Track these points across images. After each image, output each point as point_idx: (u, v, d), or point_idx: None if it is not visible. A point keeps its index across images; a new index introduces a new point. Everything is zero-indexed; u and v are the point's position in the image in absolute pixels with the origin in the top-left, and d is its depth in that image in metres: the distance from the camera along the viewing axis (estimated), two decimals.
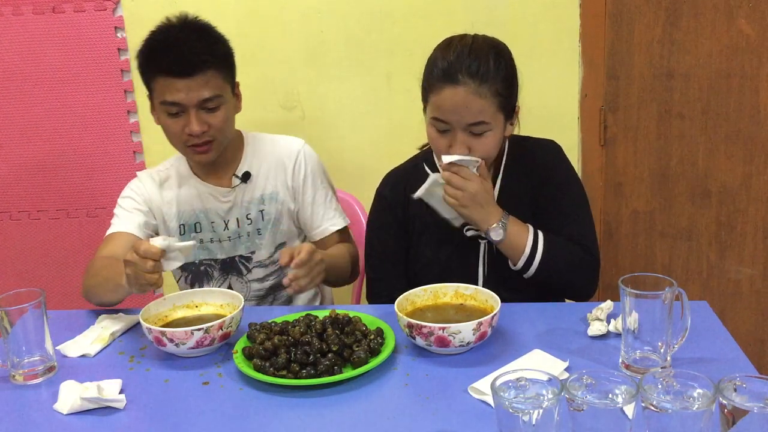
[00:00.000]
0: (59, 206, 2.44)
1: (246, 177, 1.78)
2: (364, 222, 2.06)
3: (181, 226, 1.80)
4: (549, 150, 1.68)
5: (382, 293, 1.68)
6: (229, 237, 1.80)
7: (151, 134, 2.36)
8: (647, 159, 2.30)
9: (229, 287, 1.82)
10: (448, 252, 1.64)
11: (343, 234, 1.85)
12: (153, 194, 1.79)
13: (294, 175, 1.79)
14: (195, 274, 1.83)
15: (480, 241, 1.61)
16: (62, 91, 2.33)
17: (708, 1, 2.16)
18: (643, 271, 1.35)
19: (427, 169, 1.67)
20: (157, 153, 2.34)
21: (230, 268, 1.82)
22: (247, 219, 1.79)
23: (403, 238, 1.69)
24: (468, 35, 1.54)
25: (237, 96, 1.75)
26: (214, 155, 1.70)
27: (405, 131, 2.31)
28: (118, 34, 2.29)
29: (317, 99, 2.30)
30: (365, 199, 2.14)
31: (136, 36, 2.26)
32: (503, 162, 1.64)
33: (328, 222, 1.82)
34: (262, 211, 1.79)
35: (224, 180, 1.79)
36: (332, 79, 2.29)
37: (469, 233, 1.61)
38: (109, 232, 1.75)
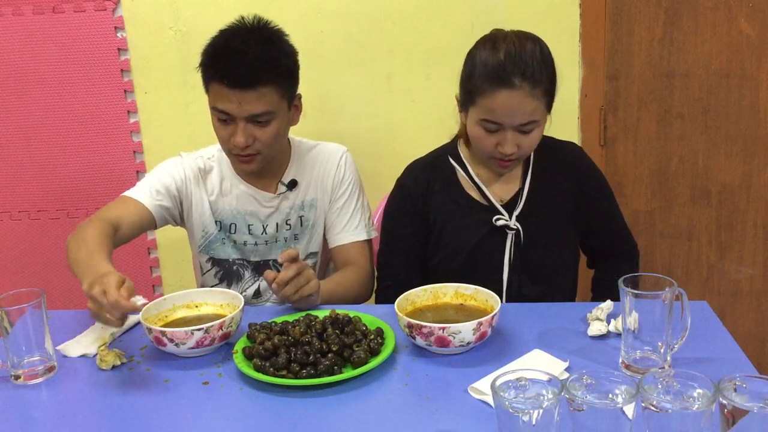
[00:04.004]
0: (59, 206, 2.44)
1: (292, 185, 1.76)
2: None
3: (218, 223, 1.77)
4: (578, 152, 1.76)
5: (389, 280, 1.71)
6: (266, 241, 1.78)
7: (151, 134, 2.37)
8: (647, 159, 2.30)
9: (258, 290, 1.82)
10: (474, 241, 1.65)
11: (363, 248, 1.79)
12: (191, 182, 1.75)
13: (333, 180, 1.78)
14: (226, 272, 1.81)
15: (508, 231, 1.63)
16: (62, 91, 2.33)
17: (708, 1, 2.16)
18: (643, 271, 1.35)
19: (451, 161, 1.68)
20: (157, 153, 2.34)
21: (264, 271, 1.80)
22: (287, 224, 1.78)
23: (422, 229, 1.69)
24: (508, 33, 1.54)
25: (296, 108, 1.70)
26: (257, 167, 1.67)
27: (405, 131, 2.31)
28: (118, 34, 2.28)
29: (317, 99, 2.30)
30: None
31: (136, 36, 2.29)
32: (531, 160, 1.67)
33: (350, 232, 1.78)
34: (301, 217, 1.78)
35: (269, 185, 1.76)
36: (332, 79, 2.29)
37: (499, 222, 1.62)
38: (128, 193, 1.70)
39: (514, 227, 1.62)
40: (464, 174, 1.68)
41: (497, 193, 1.67)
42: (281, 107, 1.62)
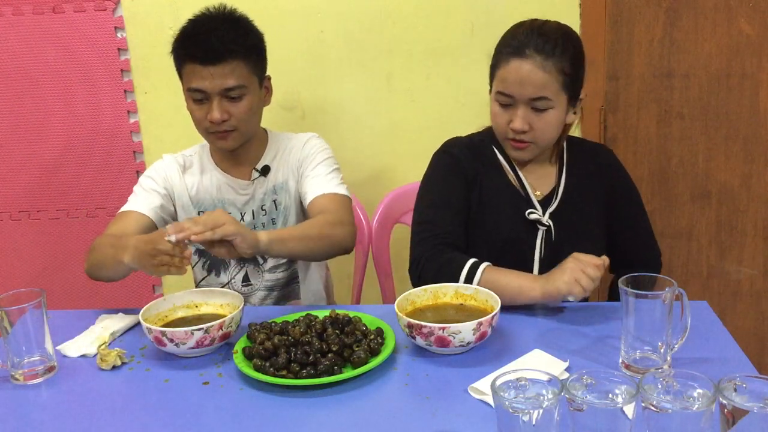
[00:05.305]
0: (59, 206, 2.44)
1: (265, 171, 1.80)
2: (364, 221, 2.06)
3: (200, 213, 1.80)
4: (608, 153, 1.77)
5: (429, 233, 1.59)
6: None
7: (151, 134, 2.37)
8: (647, 159, 2.30)
9: (246, 276, 1.84)
10: (508, 231, 1.63)
11: (334, 197, 1.73)
12: (174, 178, 1.80)
13: (299, 158, 1.81)
14: (213, 261, 1.84)
15: (540, 226, 1.62)
16: (62, 91, 2.33)
17: (708, 1, 2.16)
18: None
19: (494, 149, 1.68)
20: (157, 153, 2.33)
21: (247, 258, 1.82)
22: (262, 210, 1.81)
23: (466, 196, 1.64)
24: (540, 19, 1.59)
25: (266, 89, 1.78)
26: (234, 144, 1.72)
27: (405, 131, 2.31)
28: (118, 34, 2.28)
29: (317, 99, 2.30)
30: (365, 199, 2.14)
31: (136, 36, 2.28)
32: (565, 159, 1.68)
33: (320, 186, 1.75)
34: (275, 200, 1.81)
35: (244, 173, 1.81)
36: (332, 79, 2.29)
37: (531, 216, 1.62)
38: (123, 208, 1.76)
39: (546, 224, 1.62)
40: (505, 163, 1.67)
41: (534, 187, 1.66)
42: (252, 82, 1.69)
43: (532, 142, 1.58)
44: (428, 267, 1.53)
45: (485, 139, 1.70)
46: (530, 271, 1.63)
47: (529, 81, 1.51)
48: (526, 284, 1.46)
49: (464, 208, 1.64)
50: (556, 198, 1.65)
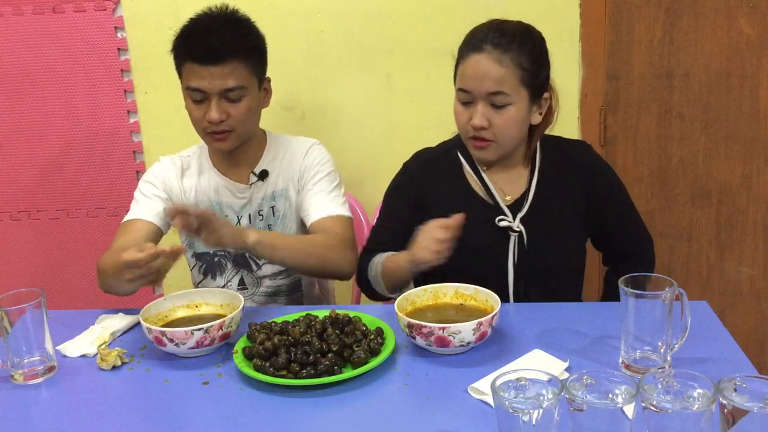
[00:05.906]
0: (59, 206, 2.44)
1: (263, 175, 1.79)
2: (364, 221, 2.06)
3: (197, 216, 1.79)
4: (588, 151, 1.73)
5: (367, 248, 1.71)
6: None
7: (151, 134, 2.37)
8: (647, 159, 2.30)
9: (241, 280, 1.83)
10: (474, 240, 1.58)
11: (336, 220, 1.73)
12: (173, 180, 1.80)
13: (301, 168, 1.80)
14: (209, 265, 1.84)
15: (511, 233, 1.59)
16: (62, 91, 2.33)
17: (708, 1, 2.16)
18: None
19: (459, 156, 1.67)
20: (157, 153, 2.33)
21: (242, 262, 1.82)
22: (259, 215, 1.80)
23: (417, 214, 1.62)
24: (501, 19, 1.60)
25: (266, 91, 1.78)
26: (232, 145, 1.72)
27: (405, 131, 2.31)
28: (118, 34, 2.28)
29: (317, 99, 2.30)
30: (365, 199, 2.14)
31: (136, 36, 2.29)
32: (538, 161, 1.65)
33: (323, 208, 1.75)
34: (273, 207, 1.80)
35: (242, 176, 1.80)
36: (332, 79, 2.29)
37: (502, 224, 1.59)
38: (126, 218, 1.75)
39: (518, 230, 1.58)
40: (471, 170, 1.65)
41: (504, 192, 1.64)
42: (251, 84, 1.69)
43: (493, 140, 1.55)
44: (360, 279, 1.69)
45: (453, 148, 1.69)
46: (505, 278, 1.60)
47: (485, 75, 1.51)
48: (401, 262, 1.53)
49: (407, 226, 1.59)
50: (526, 202, 1.61)
